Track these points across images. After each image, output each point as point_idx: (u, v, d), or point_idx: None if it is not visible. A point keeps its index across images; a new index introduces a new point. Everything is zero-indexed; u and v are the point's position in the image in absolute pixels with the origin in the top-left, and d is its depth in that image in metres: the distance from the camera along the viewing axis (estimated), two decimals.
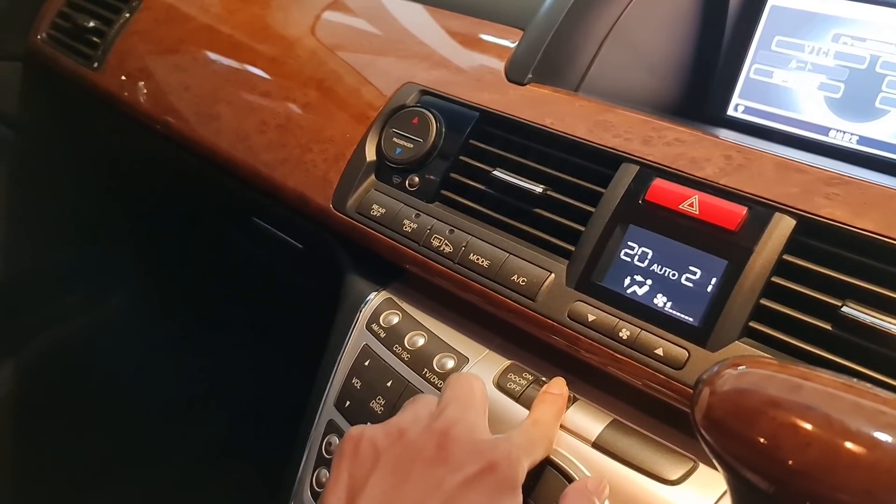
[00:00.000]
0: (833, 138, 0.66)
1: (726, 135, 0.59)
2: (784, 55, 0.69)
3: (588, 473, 0.43)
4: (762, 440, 0.30)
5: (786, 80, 0.69)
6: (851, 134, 0.65)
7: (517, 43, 0.61)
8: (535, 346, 0.51)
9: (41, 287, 1.11)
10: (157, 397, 1.12)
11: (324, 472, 0.52)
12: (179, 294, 1.17)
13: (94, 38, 0.84)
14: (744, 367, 0.33)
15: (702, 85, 0.72)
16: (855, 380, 0.31)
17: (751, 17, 0.71)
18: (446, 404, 0.42)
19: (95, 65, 0.83)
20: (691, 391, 0.42)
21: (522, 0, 0.68)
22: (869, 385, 0.31)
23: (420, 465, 0.38)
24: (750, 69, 0.71)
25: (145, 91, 0.77)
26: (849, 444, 0.28)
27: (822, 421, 0.29)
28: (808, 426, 0.29)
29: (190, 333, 1.15)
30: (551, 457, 0.44)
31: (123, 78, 0.80)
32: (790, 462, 0.29)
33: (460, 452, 0.38)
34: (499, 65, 0.61)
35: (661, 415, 0.45)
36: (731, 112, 0.71)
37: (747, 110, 0.71)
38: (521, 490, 0.38)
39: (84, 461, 1.08)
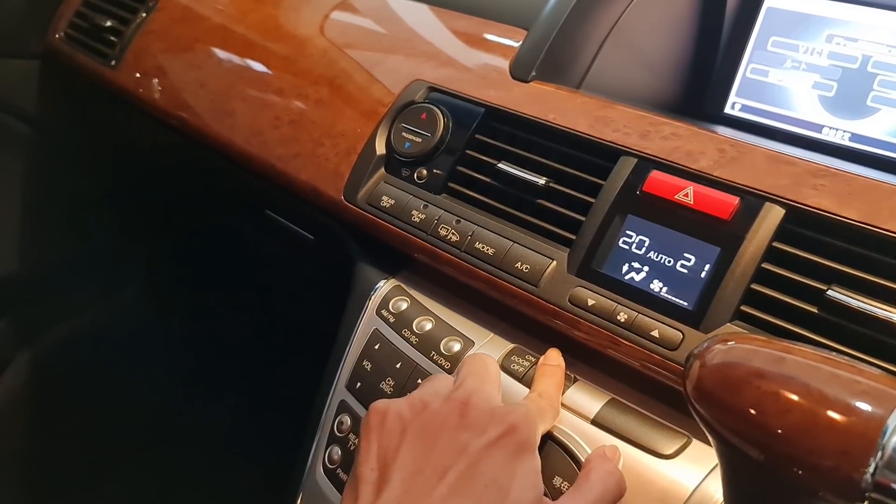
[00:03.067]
0: (826, 135, 0.68)
1: (722, 131, 0.61)
2: (779, 55, 0.71)
3: (588, 449, 0.45)
4: (747, 408, 0.32)
5: (781, 79, 0.71)
6: (844, 131, 0.68)
7: (521, 42, 0.63)
8: (537, 331, 0.53)
9: (56, 279, 1.13)
10: (171, 388, 1.14)
11: (336, 449, 0.54)
12: (192, 287, 1.19)
13: (112, 38, 0.87)
14: (732, 342, 0.36)
15: (700, 84, 0.75)
16: (833, 353, 0.33)
17: (747, 19, 0.73)
18: (464, 378, 0.45)
19: (113, 63, 0.85)
20: None
21: (526, 1, 0.71)
22: (846, 358, 0.33)
23: (445, 432, 0.40)
24: (746, 68, 0.73)
25: (162, 88, 0.80)
26: (826, 410, 0.31)
27: (801, 389, 0.32)
28: (789, 394, 0.32)
29: (203, 325, 1.17)
30: (553, 432, 0.46)
31: (140, 75, 0.82)
32: (773, 427, 0.32)
33: (481, 418, 0.41)
34: (503, 63, 0.63)
35: (657, 394, 0.48)
36: (728, 110, 0.74)
37: (744, 108, 0.73)
38: (538, 451, 0.41)
39: (97, 451, 1.11)
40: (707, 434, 0.35)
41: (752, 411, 0.32)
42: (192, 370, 1.17)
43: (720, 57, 0.74)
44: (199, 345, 1.17)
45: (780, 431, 0.31)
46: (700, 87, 0.75)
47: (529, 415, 0.42)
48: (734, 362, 0.34)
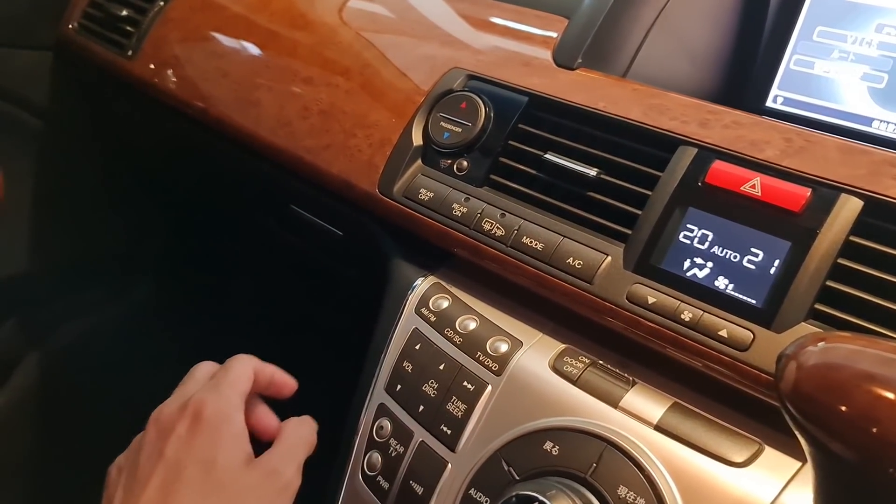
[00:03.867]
0: (876, 129, 0.66)
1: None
2: (826, 45, 0.69)
3: (652, 455, 0.42)
4: (856, 413, 0.30)
5: (827, 70, 0.68)
6: (895, 124, 0.65)
7: (566, 27, 0.61)
8: (588, 330, 0.50)
9: (66, 278, 1.10)
10: None
11: (375, 455, 0.51)
12: (205, 287, 1.16)
13: (128, 27, 0.84)
14: (823, 342, 0.33)
15: (741, 76, 0.72)
16: None
17: (792, 8, 0.70)
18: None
19: (130, 53, 0.83)
20: (757, 373, 0.42)
21: None
22: None
23: (143, 451, 0.45)
24: (790, 60, 0.70)
25: (182, 78, 0.77)
26: None
27: None
28: None
29: (217, 327, 1.14)
30: (616, 440, 0.43)
31: (159, 66, 0.79)
32: (888, 435, 0.29)
33: (169, 420, 0.45)
34: (544, 51, 0.61)
35: (722, 397, 0.45)
36: (769, 103, 0.71)
37: (786, 101, 0.70)
38: (235, 414, 0.46)
39: (107, 453, 1.08)
40: (804, 442, 0.32)
41: (862, 417, 0.29)
42: None
43: (763, 48, 0.72)
44: (213, 346, 1.14)
45: None
46: (741, 80, 0.72)
47: (209, 390, 0.46)
48: (837, 363, 0.31)
